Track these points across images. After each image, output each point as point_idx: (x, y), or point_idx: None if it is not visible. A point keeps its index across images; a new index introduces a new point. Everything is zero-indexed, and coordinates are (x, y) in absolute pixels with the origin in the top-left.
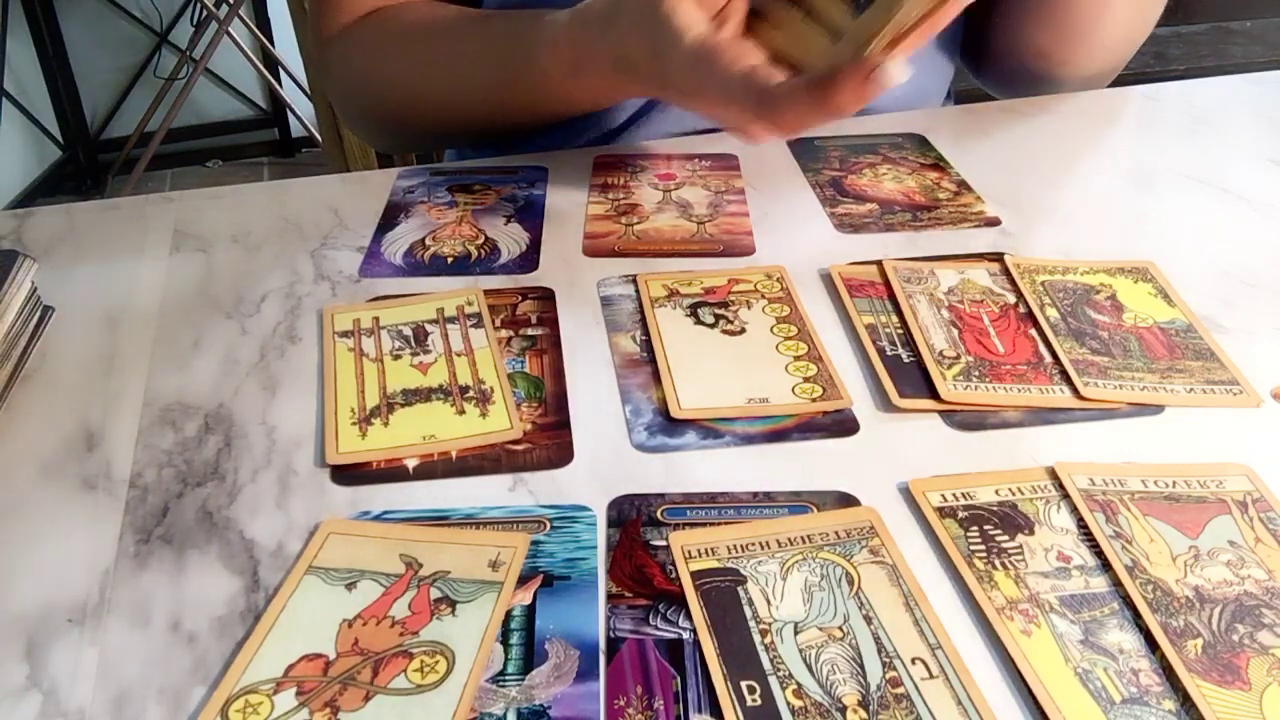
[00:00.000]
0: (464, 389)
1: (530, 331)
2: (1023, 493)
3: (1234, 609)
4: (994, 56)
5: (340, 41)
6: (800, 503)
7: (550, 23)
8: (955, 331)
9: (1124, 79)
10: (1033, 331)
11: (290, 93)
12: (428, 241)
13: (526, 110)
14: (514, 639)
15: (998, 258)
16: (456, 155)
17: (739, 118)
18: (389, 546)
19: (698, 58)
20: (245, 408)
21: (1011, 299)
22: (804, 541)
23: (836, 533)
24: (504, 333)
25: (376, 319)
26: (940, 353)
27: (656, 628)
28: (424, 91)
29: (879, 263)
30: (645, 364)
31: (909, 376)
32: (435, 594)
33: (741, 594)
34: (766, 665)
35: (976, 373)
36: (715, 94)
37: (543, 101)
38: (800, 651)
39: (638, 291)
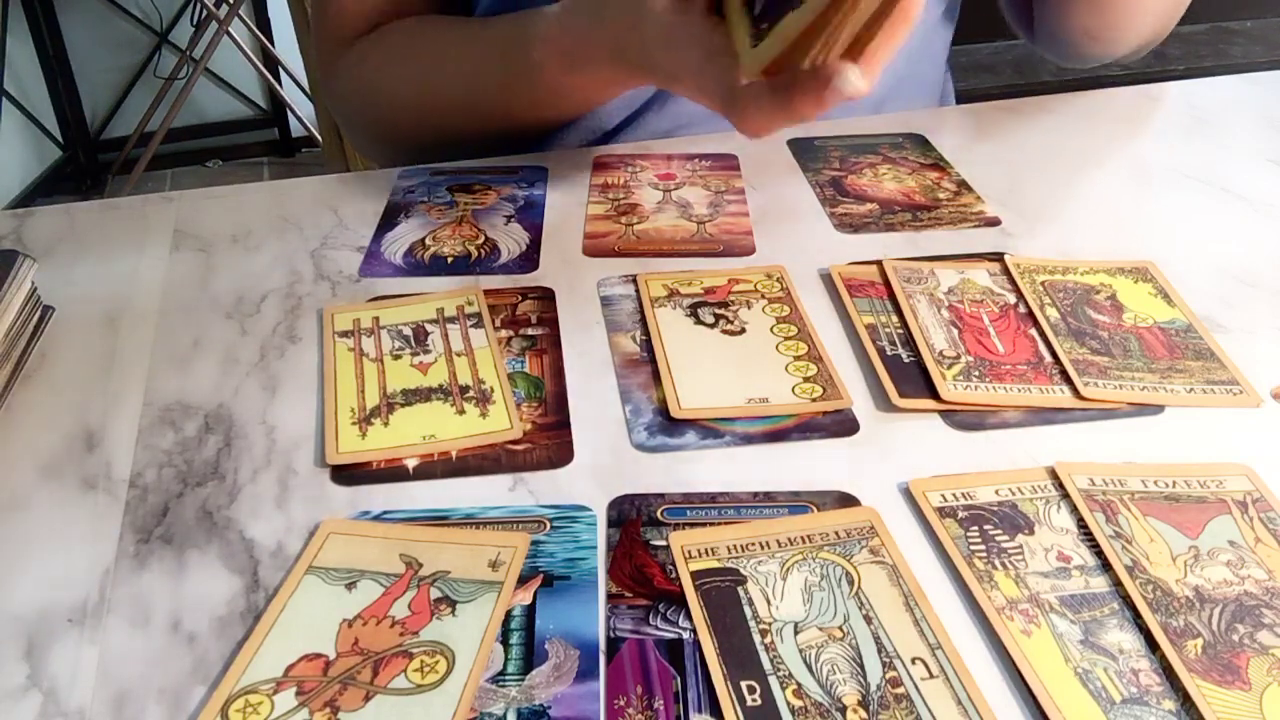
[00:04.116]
0: (464, 389)
1: (530, 331)
2: (1023, 493)
3: (1234, 609)
4: (1046, 36)
5: (347, 58)
6: (800, 503)
7: (544, 15)
8: (955, 331)
9: (1124, 79)
10: (1033, 331)
11: (290, 93)
12: (428, 241)
13: (528, 112)
14: (514, 639)
15: (998, 258)
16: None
17: (713, 108)
18: (389, 546)
19: (671, 40)
20: (245, 408)
21: (1011, 299)
22: (804, 541)
23: (836, 533)
24: (504, 333)
25: (376, 319)
26: (940, 353)
27: (656, 628)
28: (433, 97)
29: (879, 263)
30: (645, 364)
31: (909, 376)
32: (435, 594)
33: (741, 594)
34: (766, 665)
35: (976, 373)
36: (690, 83)
37: (542, 101)
38: (800, 651)
39: (638, 291)
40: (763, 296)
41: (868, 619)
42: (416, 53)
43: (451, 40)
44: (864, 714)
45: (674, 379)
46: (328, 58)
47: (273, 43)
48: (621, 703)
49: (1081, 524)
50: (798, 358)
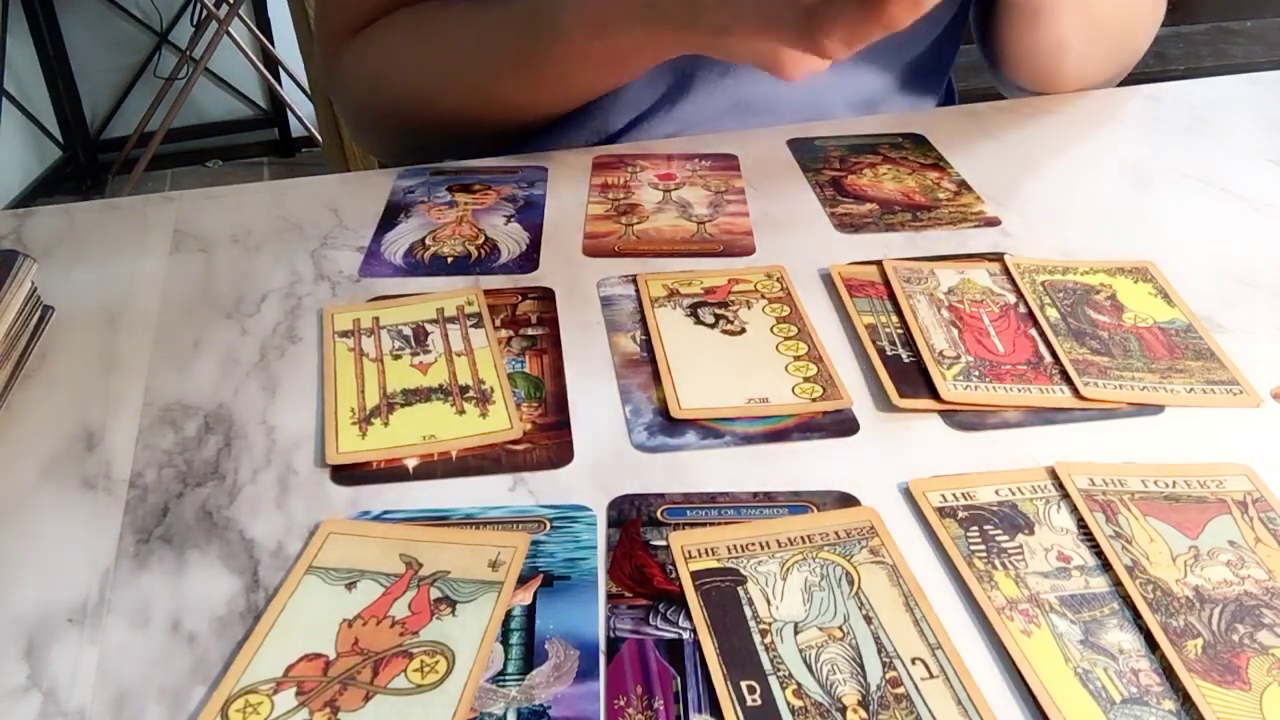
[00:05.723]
0: (464, 389)
1: (530, 331)
2: (1023, 493)
3: (1234, 609)
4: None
5: (353, 47)
6: (800, 503)
7: None
8: (955, 331)
9: (1124, 79)
10: (1033, 331)
11: (290, 93)
12: (428, 241)
13: (551, 89)
14: (514, 639)
15: (998, 258)
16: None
17: (781, 41)
18: (389, 546)
19: None
20: (245, 408)
21: (1011, 299)
22: (804, 541)
23: (836, 533)
24: (504, 333)
25: (376, 319)
26: (940, 353)
27: (656, 628)
28: (448, 77)
29: (879, 263)
30: (645, 364)
31: (909, 376)
32: (435, 594)
33: (741, 594)
34: (766, 665)
35: (976, 373)
36: (753, 20)
37: (567, 75)
38: (800, 651)
39: (638, 291)
40: (763, 296)
41: (868, 619)
42: (431, 30)
43: (469, 18)
44: (864, 714)
45: (674, 379)
46: (333, 46)
47: (273, 43)
48: (621, 703)
49: (1081, 524)
50: (798, 358)
